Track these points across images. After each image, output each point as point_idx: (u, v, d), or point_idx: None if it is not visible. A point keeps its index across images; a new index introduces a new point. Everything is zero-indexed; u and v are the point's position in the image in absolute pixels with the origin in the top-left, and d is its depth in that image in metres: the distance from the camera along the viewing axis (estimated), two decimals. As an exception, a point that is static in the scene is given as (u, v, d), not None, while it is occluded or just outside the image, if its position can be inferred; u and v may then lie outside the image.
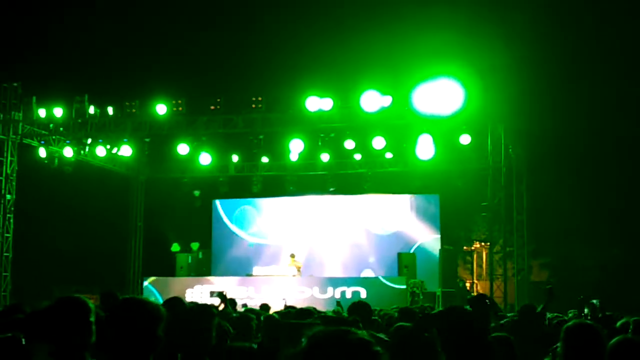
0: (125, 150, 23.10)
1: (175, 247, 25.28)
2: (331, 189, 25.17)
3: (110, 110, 21.85)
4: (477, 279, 23.30)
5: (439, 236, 25.15)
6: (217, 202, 27.68)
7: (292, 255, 22.61)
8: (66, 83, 23.05)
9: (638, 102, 23.68)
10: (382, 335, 5.56)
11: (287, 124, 21.66)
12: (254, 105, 21.34)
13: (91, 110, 21.80)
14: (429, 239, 25.25)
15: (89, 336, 3.79)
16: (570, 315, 10.50)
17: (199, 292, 21.14)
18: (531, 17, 24.54)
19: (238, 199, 27.34)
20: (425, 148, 21.27)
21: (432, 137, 20.84)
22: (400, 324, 5.57)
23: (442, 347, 4.75)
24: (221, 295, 9.93)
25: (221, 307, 9.49)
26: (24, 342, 4.31)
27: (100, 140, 23.02)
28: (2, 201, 22.14)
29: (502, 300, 19.47)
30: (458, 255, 24.35)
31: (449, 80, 19.29)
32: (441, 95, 19.19)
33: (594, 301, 11.41)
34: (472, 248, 24.02)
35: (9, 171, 22.29)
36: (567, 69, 24.81)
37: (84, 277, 22.98)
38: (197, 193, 26.09)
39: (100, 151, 23.21)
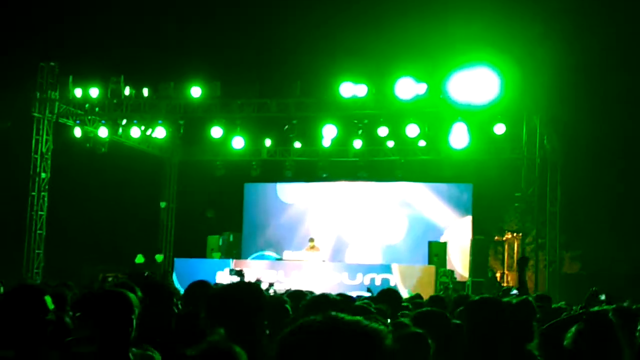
0: (159, 132, 23.25)
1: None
2: (361, 175, 25.15)
3: (145, 91, 22.01)
4: (507, 270, 23.14)
5: (470, 226, 25.03)
6: (249, 185, 27.76)
7: (312, 240, 22.59)
8: (102, 63, 23.22)
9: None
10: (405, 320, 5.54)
11: (321, 110, 21.66)
12: (288, 90, 21.41)
13: (126, 91, 21.96)
14: (460, 228, 25.14)
15: (129, 331, 4.03)
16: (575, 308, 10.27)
17: (227, 275, 21.22)
18: (571, 4, 24.25)
19: (270, 183, 27.39)
20: (459, 137, 21.18)
21: (466, 126, 20.74)
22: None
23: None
24: (240, 273, 9.98)
25: None
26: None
27: (135, 122, 23.19)
28: (37, 179, 22.39)
29: (533, 292, 19.34)
30: (489, 245, 24.19)
31: (485, 69, 19.15)
32: (477, 83, 19.07)
33: (602, 296, 11.22)
34: (504, 239, 23.86)
35: (44, 150, 22.52)
36: (607, 59, 24.51)
37: (114, 256, 23.17)
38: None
39: (135, 132, 23.38)
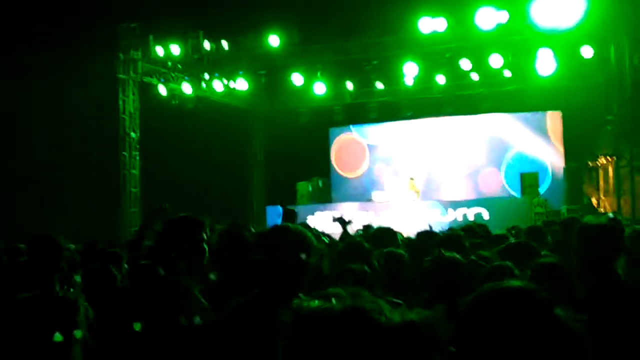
0: (242, 84, 23.41)
1: None
2: (447, 110, 24.76)
3: (224, 44, 22.11)
4: (603, 195, 22.56)
5: (563, 153, 24.52)
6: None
7: (412, 179, 22.54)
8: (180, 20, 23.31)
9: None
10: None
11: (401, 48, 21.38)
12: (366, 31, 21.19)
13: (207, 45, 22.10)
14: (553, 156, 24.64)
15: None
16: None
17: (320, 219, 21.38)
18: None
19: (354, 126, 27.35)
20: (545, 63, 20.61)
21: (552, 51, 20.15)
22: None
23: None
24: (340, 219, 10.02)
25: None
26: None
27: (217, 75, 23.40)
28: (128, 139, 22.86)
29: (631, 215, 18.80)
30: (583, 171, 23.64)
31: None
32: (560, 6, 18.41)
33: None
34: (598, 163, 23.21)
35: (132, 110, 22.95)
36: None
37: (208, 210, 23.52)
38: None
39: (218, 86, 23.59)
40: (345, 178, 27.32)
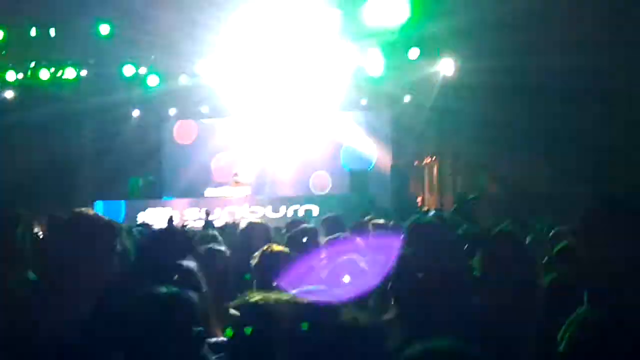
0: (70, 73, 22.63)
1: None
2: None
3: (52, 32, 21.28)
4: (428, 193, 23.42)
5: (391, 152, 25.19)
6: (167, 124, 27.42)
7: (235, 174, 22.50)
8: (6, 4, 22.25)
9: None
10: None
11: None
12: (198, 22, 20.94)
13: (33, 32, 21.21)
14: (381, 155, 25.28)
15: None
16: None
17: (150, 215, 21.09)
18: None
19: (187, 121, 27.09)
20: (374, 64, 21.00)
21: (381, 51, 20.59)
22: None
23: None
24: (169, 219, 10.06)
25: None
26: None
27: (44, 63, 22.53)
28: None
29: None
30: (409, 170, 24.42)
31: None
32: (388, 6, 18.78)
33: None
34: (424, 163, 24.08)
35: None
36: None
37: (31, 203, 22.60)
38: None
39: (44, 74, 22.69)
40: (178, 174, 26.80)
